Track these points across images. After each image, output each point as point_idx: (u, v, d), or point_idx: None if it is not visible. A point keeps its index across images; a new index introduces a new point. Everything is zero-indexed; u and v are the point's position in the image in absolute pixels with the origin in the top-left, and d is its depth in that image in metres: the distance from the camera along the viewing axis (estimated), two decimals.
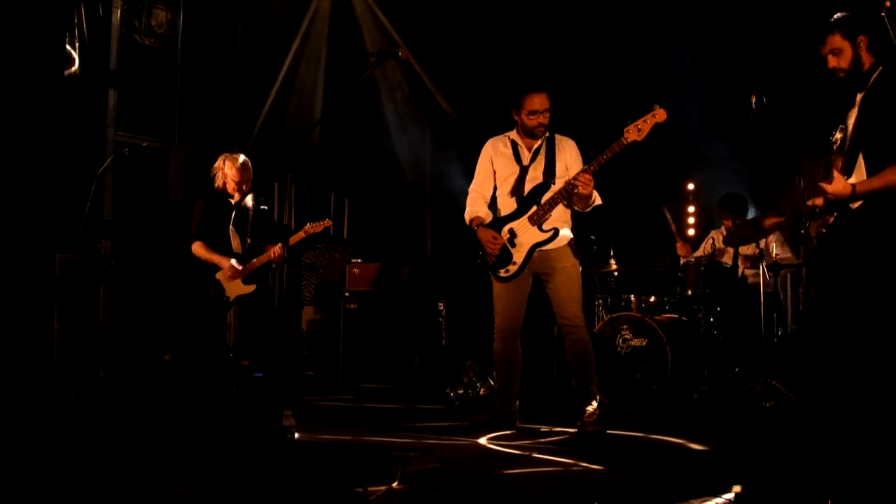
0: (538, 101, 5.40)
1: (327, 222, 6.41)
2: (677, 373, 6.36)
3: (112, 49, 8.66)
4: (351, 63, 9.44)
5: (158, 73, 9.07)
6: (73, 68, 8.19)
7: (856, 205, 4.10)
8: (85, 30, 8.31)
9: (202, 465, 3.33)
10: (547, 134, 5.58)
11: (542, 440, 5.24)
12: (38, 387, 6.39)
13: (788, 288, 7.70)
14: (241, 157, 6.62)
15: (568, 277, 5.49)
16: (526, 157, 5.57)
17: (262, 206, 6.74)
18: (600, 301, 7.53)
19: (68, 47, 8.13)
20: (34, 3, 7.71)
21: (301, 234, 6.43)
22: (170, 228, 9.04)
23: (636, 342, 6.62)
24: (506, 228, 5.51)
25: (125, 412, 3.77)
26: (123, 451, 3.47)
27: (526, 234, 5.47)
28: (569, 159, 5.55)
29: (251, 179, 6.61)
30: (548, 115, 5.42)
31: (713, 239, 7.53)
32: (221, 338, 6.74)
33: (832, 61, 4.26)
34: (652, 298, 7.10)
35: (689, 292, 6.90)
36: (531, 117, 5.42)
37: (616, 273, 7.42)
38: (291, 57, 9.59)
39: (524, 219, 5.47)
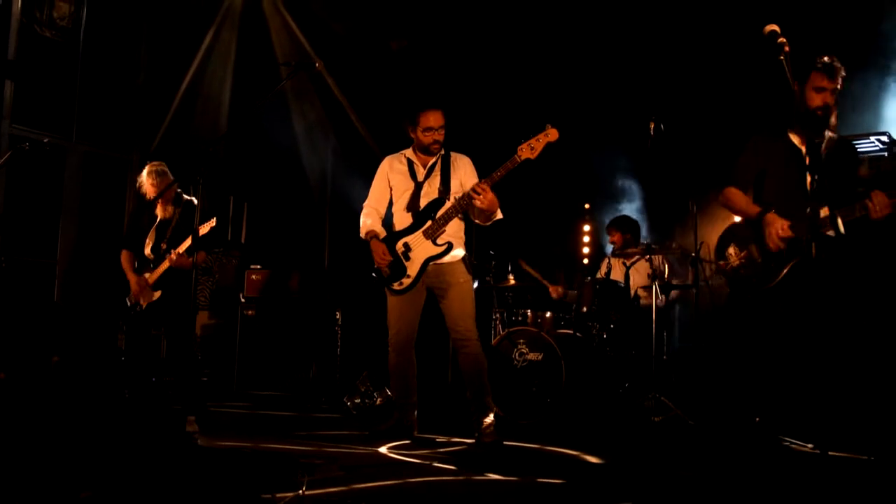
0: (433, 119, 5.49)
1: (212, 222, 6.33)
2: (571, 387, 6.51)
3: (10, 39, 8.44)
4: (260, 67, 9.42)
5: (59, 67, 8.86)
6: None
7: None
8: None
9: (108, 470, 3.28)
10: (442, 151, 5.65)
11: (441, 450, 5.29)
12: None
13: (677, 307, 7.93)
14: (156, 166, 6.61)
15: (461, 293, 5.56)
16: (421, 173, 5.63)
17: (189, 199, 6.63)
18: (498, 315, 7.64)
19: None
20: None
21: (189, 239, 6.34)
22: (63, 227, 8.81)
23: (532, 356, 6.74)
24: (401, 242, 5.57)
25: (20, 416, 3.67)
26: (24, 455, 3.38)
27: (420, 247, 5.53)
28: (463, 176, 5.62)
29: (172, 186, 6.53)
30: (443, 132, 5.50)
31: (608, 259, 7.74)
32: (139, 345, 6.57)
33: (828, 98, 4.65)
34: (548, 314, 7.26)
35: (584, 309, 7.07)
36: (426, 134, 5.51)
37: (514, 288, 7.55)
38: (199, 58, 9.48)
39: (419, 233, 5.53)
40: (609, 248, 8.02)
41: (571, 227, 9.30)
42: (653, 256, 7.06)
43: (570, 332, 7.12)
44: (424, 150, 5.59)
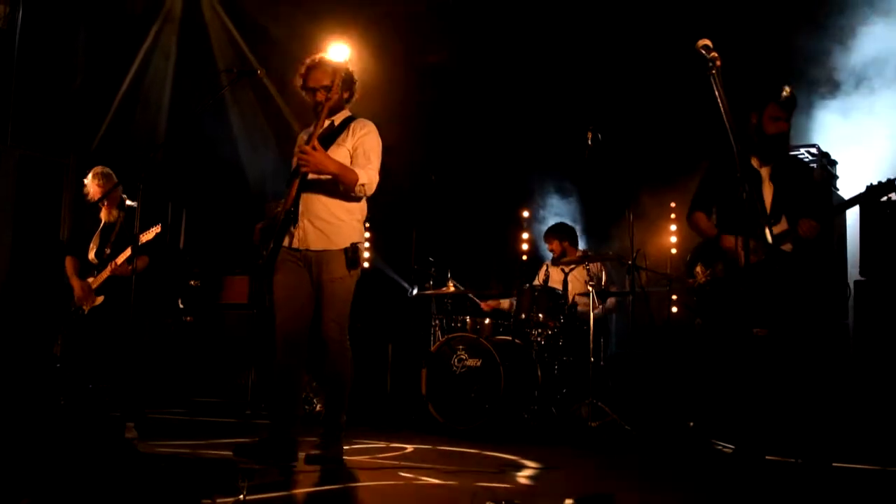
0: (312, 77, 4.88)
1: (157, 228, 6.28)
2: (510, 392, 6.57)
3: None
4: (200, 71, 9.39)
5: None
6: None
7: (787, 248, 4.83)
8: None
9: (46, 477, 3.24)
10: (337, 116, 4.96)
11: (381, 455, 5.32)
12: None
13: (614, 315, 8.07)
14: (100, 169, 6.60)
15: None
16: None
17: (130, 204, 6.57)
18: (437, 321, 7.68)
19: None
20: None
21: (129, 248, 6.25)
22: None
23: (471, 362, 6.80)
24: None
25: None
26: None
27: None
28: (354, 142, 4.85)
29: (117, 189, 6.50)
30: (324, 92, 4.81)
31: (547, 266, 7.84)
32: (77, 351, 6.52)
33: (782, 126, 4.95)
34: (487, 320, 7.32)
35: (523, 315, 7.14)
36: (308, 94, 4.95)
37: (453, 295, 7.57)
38: (139, 62, 9.45)
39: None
40: (549, 255, 8.11)
41: (510, 235, 9.37)
42: (590, 264, 7.16)
43: (509, 338, 7.17)
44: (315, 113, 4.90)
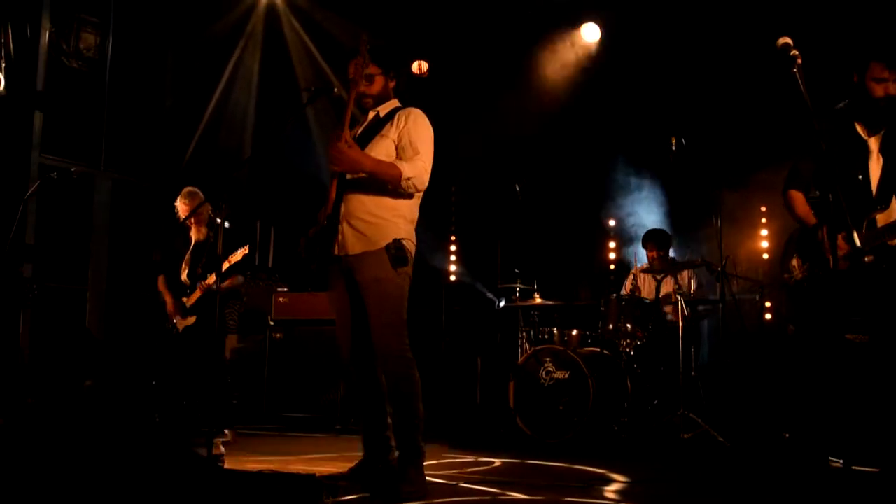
0: (351, 68, 4.46)
1: (245, 249, 6.33)
2: (599, 405, 6.47)
3: (39, 71, 8.58)
4: (282, 90, 9.53)
5: (86, 97, 9.01)
6: None
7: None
8: (12, 51, 8.23)
9: (134, 492, 3.29)
10: (384, 107, 4.57)
11: (468, 469, 5.27)
12: None
13: (706, 323, 7.89)
14: (186, 189, 6.75)
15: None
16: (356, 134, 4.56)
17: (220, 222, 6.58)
18: (524, 334, 7.62)
19: None
20: None
21: (224, 265, 6.35)
22: (93, 254, 8.92)
23: (559, 374, 6.71)
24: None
25: (55, 439, 3.71)
26: (51, 480, 3.41)
27: None
28: (401, 133, 4.43)
29: (204, 206, 6.63)
30: (362, 82, 4.41)
31: (634, 275, 7.71)
32: (171, 369, 6.74)
33: (891, 88, 4.31)
34: (574, 332, 7.23)
35: (611, 326, 7.03)
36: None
37: (540, 307, 7.52)
38: (224, 83, 9.59)
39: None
40: (635, 263, 7.99)
41: (596, 245, 9.32)
42: (679, 272, 7.02)
43: (597, 349, 7.09)
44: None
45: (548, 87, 9.04)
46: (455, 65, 9.34)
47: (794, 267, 4.54)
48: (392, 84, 4.52)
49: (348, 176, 4.28)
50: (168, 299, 6.70)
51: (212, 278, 6.41)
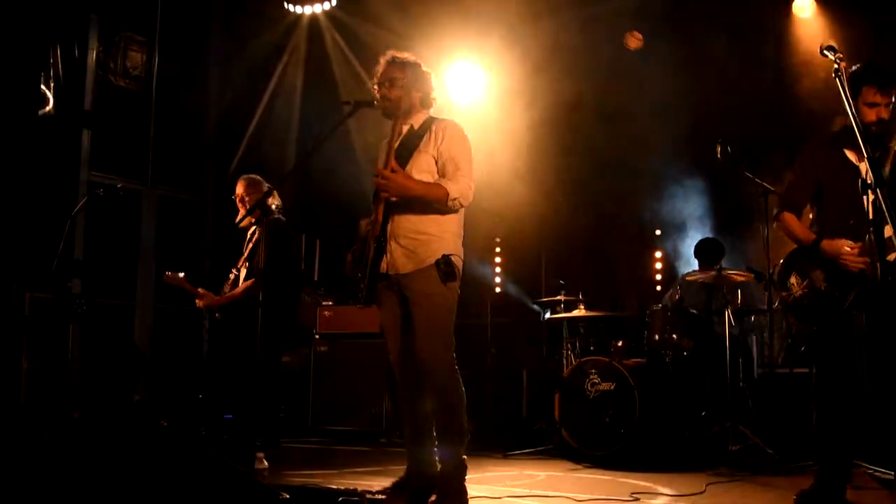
0: (380, 71, 4.53)
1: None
2: (645, 416, 6.39)
3: (87, 90, 8.75)
4: (325, 103, 9.48)
5: (132, 114, 9.15)
6: (48, 108, 8.23)
7: None
8: (60, 70, 8.36)
9: None
10: (415, 118, 4.53)
11: (513, 483, 5.24)
12: (7, 427, 6.28)
13: (754, 334, 7.77)
14: (247, 176, 6.46)
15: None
16: (394, 145, 4.52)
17: (276, 218, 6.22)
18: (569, 346, 7.57)
19: (43, 87, 8.19)
20: (9, 42, 7.73)
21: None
22: (140, 269, 9.01)
23: (604, 386, 6.63)
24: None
25: (102, 454, 3.76)
26: (98, 493, 3.45)
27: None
28: (440, 148, 4.43)
29: (253, 193, 6.23)
30: (388, 88, 4.43)
31: (680, 285, 7.61)
32: (219, 381, 6.72)
33: (882, 113, 4.30)
34: (620, 342, 7.14)
35: (657, 337, 6.95)
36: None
37: (585, 318, 7.45)
38: (267, 97, 9.65)
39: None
40: (680, 272, 7.90)
41: (642, 254, 9.11)
42: (728, 282, 6.93)
43: (643, 360, 7.01)
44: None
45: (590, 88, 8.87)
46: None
47: (794, 284, 4.55)
48: (419, 94, 4.48)
49: (394, 198, 4.30)
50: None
51: (238, 291, 6.18)
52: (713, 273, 6.95)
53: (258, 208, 5.87)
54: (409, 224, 4.32)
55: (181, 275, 6.40)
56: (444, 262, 4.26)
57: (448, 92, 8.94)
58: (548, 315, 8.17)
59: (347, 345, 8.25)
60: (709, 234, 8.12)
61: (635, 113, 8.42)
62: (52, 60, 8.30)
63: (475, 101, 9.14)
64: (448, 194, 4.21)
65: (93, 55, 8.79)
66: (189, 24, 9.55)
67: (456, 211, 4.34)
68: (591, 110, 8.66)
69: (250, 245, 6.23)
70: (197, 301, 6.32)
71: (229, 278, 6.30)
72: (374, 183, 4.24)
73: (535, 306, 9.07)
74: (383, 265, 4.32)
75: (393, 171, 4.17)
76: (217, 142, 9.74)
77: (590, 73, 8.66)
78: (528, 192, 8.71)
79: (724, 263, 7.40)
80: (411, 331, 4.30)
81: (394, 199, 4.27)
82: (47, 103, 8.23)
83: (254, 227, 6.23)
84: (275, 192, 6.15)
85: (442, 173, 4.34)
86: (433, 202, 4.25)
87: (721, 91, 8.03)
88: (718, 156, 6.51)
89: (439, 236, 4.32)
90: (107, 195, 7.01)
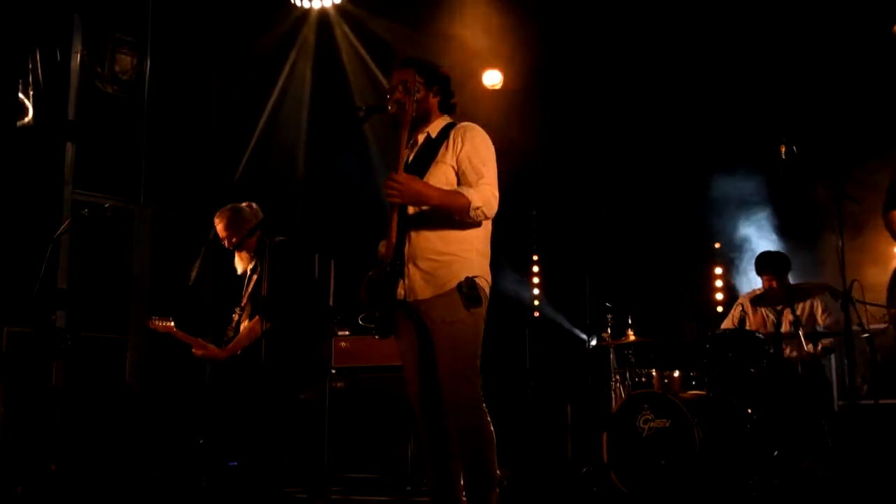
0: (394, 76, 4.55)
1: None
2: (706, 457, 6.26)
3: (70, 98, 8.76)
4: (337, 106, 9.50)
5: (122, 125, 9.11)
6: (27, 119, 8.25)
7: None
8: (40, 76, 8.36)
9: None
10: (434, 125, 4.57)
11: None
12: None
13: (833, 359, 7.62)
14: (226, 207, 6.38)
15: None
16: (404, 156, 4.48)
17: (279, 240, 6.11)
18: (618, 377, 7.49)
19: (21, 96, 8.20)
20: None
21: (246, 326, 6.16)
22: (134, 298, 8.98)
23: (659, 423, 6.53)
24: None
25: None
26: None
27: None
28: (460, 154, 4.41)
29: (238, 228, 6.13)
30: (402, 92, 4.43)
31: (742, 305, 7.50)
32: (221, 425, 6.60)
33: None
34: (676, 373, 7.07)
35: (718, 366, 6.84)
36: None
37: (635, 345, 7.40)
38: (273, 101, 9.65)
39: None
40: (742, 291, 7.83)
41: (699, 271, 9.10)
42: (800, 300, 6.79)
43: (703, 392, 6.89)
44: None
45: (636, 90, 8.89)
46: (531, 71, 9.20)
47: None
48: (437, 99, 4.50)
49: (410, 211, 4.28)
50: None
51: (235, 343, 6.10)
52: (781, 290, 6.80)
53: (251, 237, 5.92)
54: (427, 244, 4.30)
55: (170, 322, 6.30)
56: (468, 286, 4.24)
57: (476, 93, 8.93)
58: (593, 342, 8.10)
59: (367, 380, 8.13)
60: (773, 247, 7.98)
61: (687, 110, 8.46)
62: (30, 66, 8.30)
63: (504, 101, 9.09)
64: (469, 203, 4.16)
65: (77, 59, 8.77)
66: (185, 21, 9.49)
67: (479, 224, 4.31)
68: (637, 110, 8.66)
69: (254, 277, 6.18)
70: (194, 351, 6.25)
71: (232, 321, 6.28)
72: (384, 190, 4.17)
73: (579, 331, 9.04)
74: (400, 291, 4.30)
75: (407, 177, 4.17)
76: (218, 153, 9.70)
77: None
78: (570, 201, 8.79)
79: (791, 279, 7.28)
80: (431, 363, 4.29)
81: (409, 210, 4.27)
82: (26, 113, 8.24)
83: (254, 261, 6.21)
84: (255, 206, 6.18)
85: (462, 182, 4.32)
86: (453, 212, 4.20)
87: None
88: (783, 157, 6.39)
89: (462, 256, 4.30)
90: (93, 216, 6.86)
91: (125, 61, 9.16)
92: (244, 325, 6.18)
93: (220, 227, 6.26)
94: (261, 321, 5.88)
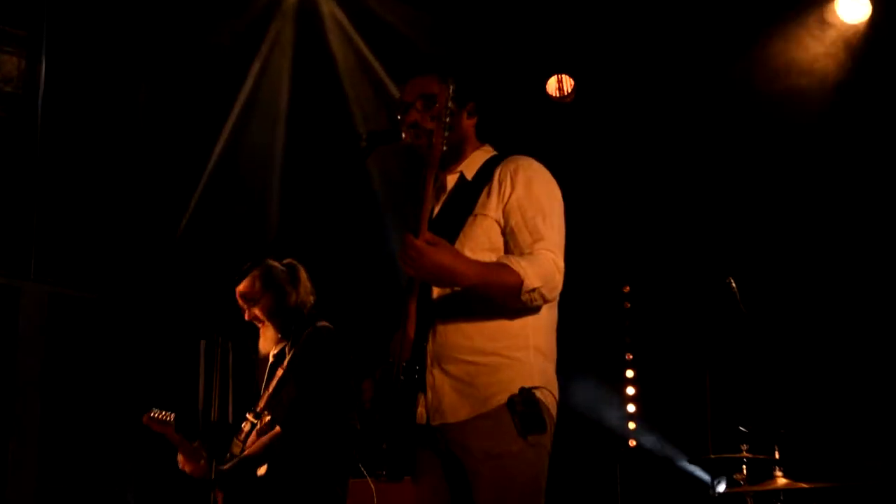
0: (407, 89, 4.12)
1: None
2: None
3: None
4: (326, 127, 8.88)
5: (4, 159, 8.06)
6: None
7: None
8: None
9: None
10: (468, 159, 4.11)
11: None
12: None
13: None
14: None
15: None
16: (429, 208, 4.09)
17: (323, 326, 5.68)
18: None
19: None
20: None
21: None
22: (19, 402, 8.05)
23: None
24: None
25: None
26: None
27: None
28: (503, 201, 3.98)
29: (255, 293, 5.63)
30: (417, 112, 3.98)
31: None
32: None
33: None
34: None
35: None
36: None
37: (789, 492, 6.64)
38: (233, 123, 8.84)
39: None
40: None
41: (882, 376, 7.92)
42: None
43: None
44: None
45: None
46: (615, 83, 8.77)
47: None
48: (473, 121, 3.98)
49: (435, 293, 3.81)
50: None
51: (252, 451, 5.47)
52: None
53: (279, 315, 5.57)
54: (461, 339, 3.80)
55: (170, 417, 5.78)
56: (525, 401, 3.71)
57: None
58: (721, 486, 7.46)
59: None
60: None
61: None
62: None
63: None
64: (522, 282, 3.61)
65: None
66: (100, 8, 8.32)
67: (537, 310, 3.78)
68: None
69: (279, 372, 5.63)
70: (180, 462, 5.66)
71: (241, 430, 5.72)
72: (398, 260, 3.65)
73: (698, 470, 8.61)
74: (420, 409, 3.83)
75: (429, 242, 3.54)
76: (149, 201, 8.54)
77: None
78: (679, 269, 8.68)
79: None
80: None
81: (434, 292, 3.81)
82: None
83: (281, 346, 5.70)
84: (302, 273, 5.81)
85: (512, 245, 3.84)
86: (497, 296, 3.67)
87: None
88: None
89: (513, 357, 3.77)
90: None
91: (9, 64, 8.05)
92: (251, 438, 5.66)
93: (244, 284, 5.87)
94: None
